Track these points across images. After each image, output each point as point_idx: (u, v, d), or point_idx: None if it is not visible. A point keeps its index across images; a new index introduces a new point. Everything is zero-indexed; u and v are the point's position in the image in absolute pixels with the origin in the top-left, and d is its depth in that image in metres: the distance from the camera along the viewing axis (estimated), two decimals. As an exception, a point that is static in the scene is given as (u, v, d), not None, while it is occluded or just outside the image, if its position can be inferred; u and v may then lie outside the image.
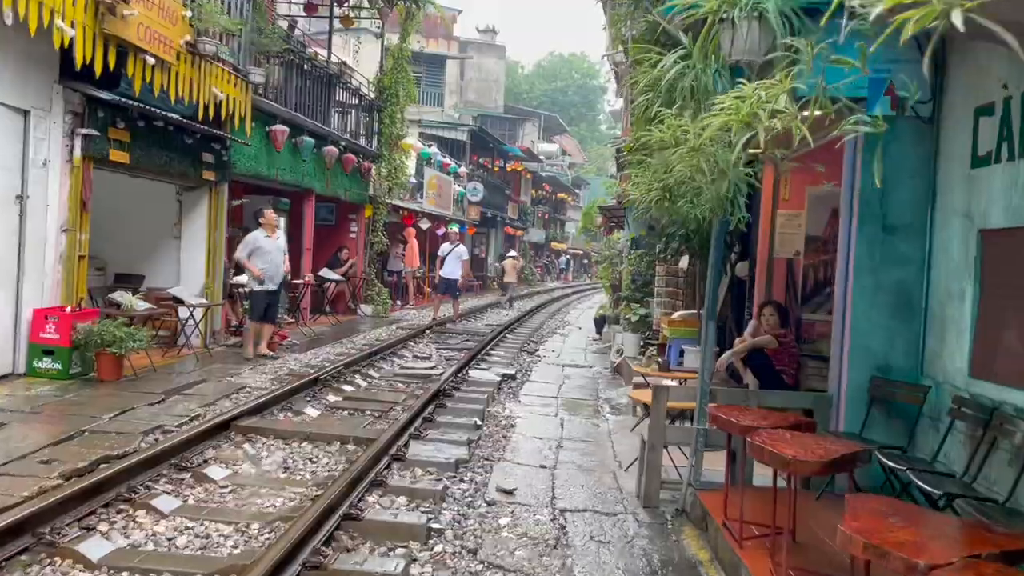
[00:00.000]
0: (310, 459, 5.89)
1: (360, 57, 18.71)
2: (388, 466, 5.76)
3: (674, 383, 5.79)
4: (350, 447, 6.23)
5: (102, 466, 5.03)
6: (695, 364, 8.51)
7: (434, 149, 23.23)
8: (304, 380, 8.40)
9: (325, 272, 15.10)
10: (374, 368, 10.24)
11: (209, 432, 6.04)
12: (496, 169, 35.69)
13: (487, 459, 6.36)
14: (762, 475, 4.98)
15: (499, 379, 9.92)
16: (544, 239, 46.38)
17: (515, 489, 5.57)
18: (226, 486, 5.16)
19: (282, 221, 15.84)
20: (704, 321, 5.20)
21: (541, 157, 42.53)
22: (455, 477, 5.74)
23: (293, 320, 12.85)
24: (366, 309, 16.83)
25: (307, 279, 13.25)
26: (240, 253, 10.07)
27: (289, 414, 7.29)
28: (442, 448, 6.29)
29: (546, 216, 47.98)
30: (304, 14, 15.71)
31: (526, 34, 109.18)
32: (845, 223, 5.61)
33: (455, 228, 16.45)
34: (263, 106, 11.57)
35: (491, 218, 32.53)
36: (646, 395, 5.96)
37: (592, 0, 10.79)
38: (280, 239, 10.41)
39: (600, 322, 17.32)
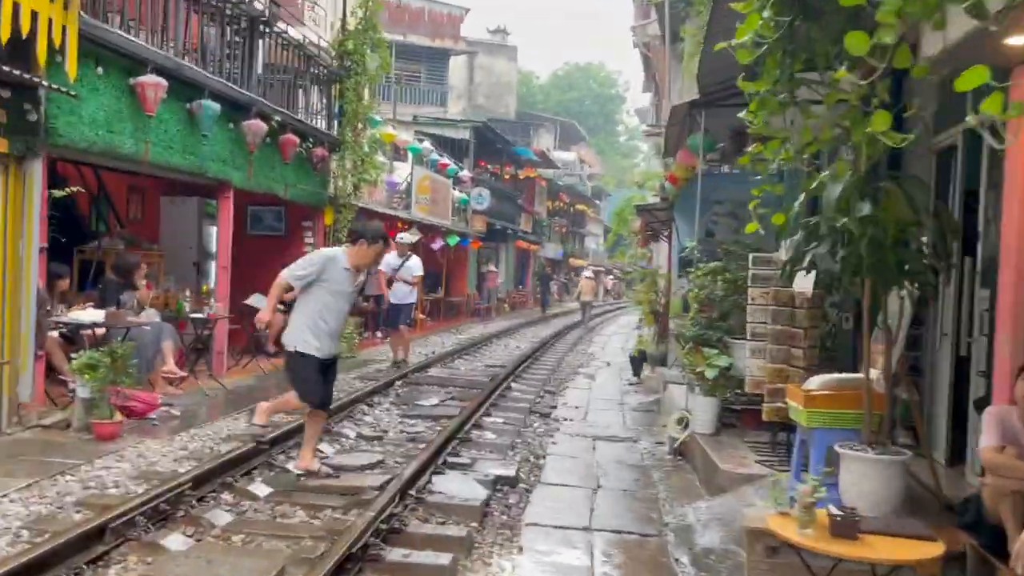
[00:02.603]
0: None
1: (319, 18, 14.67)
2: None
3: None
4: None
5: None
6: (871, 494, 4.19)
7: (427, 144, 19.08)
8: (76, 534, 4.10)
9: (256, 299, 10.84)
10: (267, 473, 5.91)
11: None
12: (507, 177, 31.55)
13: None
14: None
15: (487, 492, 5.58)
16: (562, 255, 42.07)
17: None
18: None
19: (213, 230, 11.78)
20: None
21: (557, 164, 38.34)
22: None
23: (184, 374, 8.61)
24: (325, 347, 12.53)
25: (214, 311, 9.00)
26: (292, 273, 5.80)
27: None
28: None
29: (564, 229, 43.68)
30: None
31: (540, 45, 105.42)
32: None
33: (406, 237, 12.13)
34: (121, 43, 7.38)
35: (500, 230, 28.27)
36: None
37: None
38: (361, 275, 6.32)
39: (638, 361, 12.97)
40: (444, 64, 33.94)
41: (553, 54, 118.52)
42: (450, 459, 6.42)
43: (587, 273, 26.93)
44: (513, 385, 11.03)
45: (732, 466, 5.94)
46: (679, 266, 11.53)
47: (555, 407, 10.01)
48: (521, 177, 33.15)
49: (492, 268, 26.54)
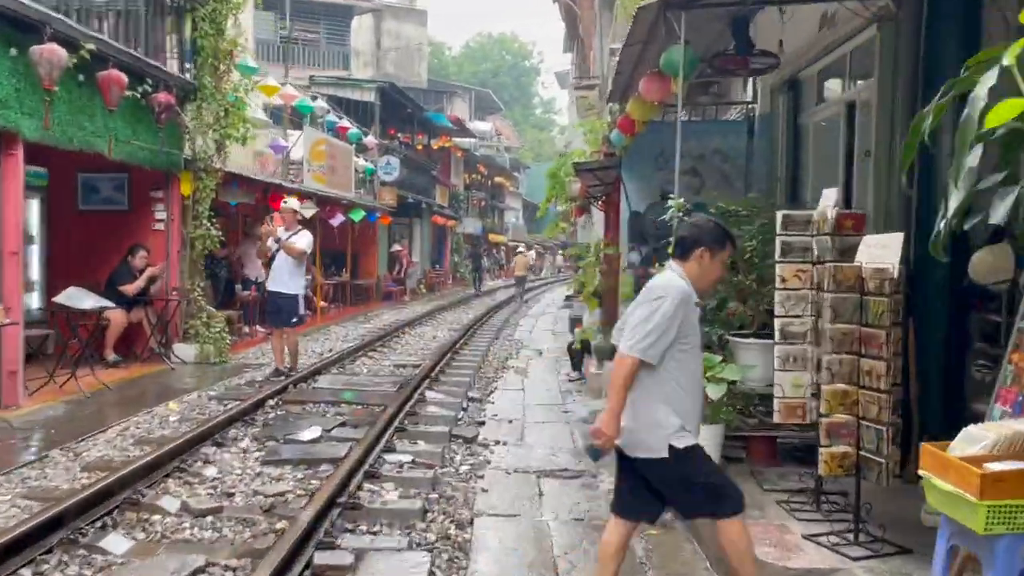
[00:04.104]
0: None
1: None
2: None
3: None
4: None
5: None
6: None
7: (321, 103, 16.26)
8: None
9: (70, 296, 8.04)
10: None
11: None
12: (420, 147, 28.83)
13: None
14: None
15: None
16: (481, 230, 39.66)
17: None
18: None
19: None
20: None
21: (474, 133, 35.75)
22: None
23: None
24: (186, 351, 9.84)
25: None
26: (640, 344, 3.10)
27: None
28: None
29: (482, 203, 41.24)
30: None
31: (453, 17, 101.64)
32: None
33: (291, 202, 9.41)
34: None
35: (414, 204, 25.60)
36: None
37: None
38: None
39: (579, 353, 10.73)
40: (346, 24, 30.81)
41: (464, 25, 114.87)
42: (319, 556, 3.96)
43: (521, 249, 28.72)
44: (428, 394, 8.60)
45: (775, 552, 3.71)
46: (629, 237, 9.33)
47: (482, 423, 7.69)
48: (435, 147, 30.48)
49: (397, 247, 23.95)
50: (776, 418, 4.30)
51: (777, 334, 4.28)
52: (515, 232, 49.79)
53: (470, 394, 8.98)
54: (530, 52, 77.11)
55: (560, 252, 47.49)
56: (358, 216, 17.92)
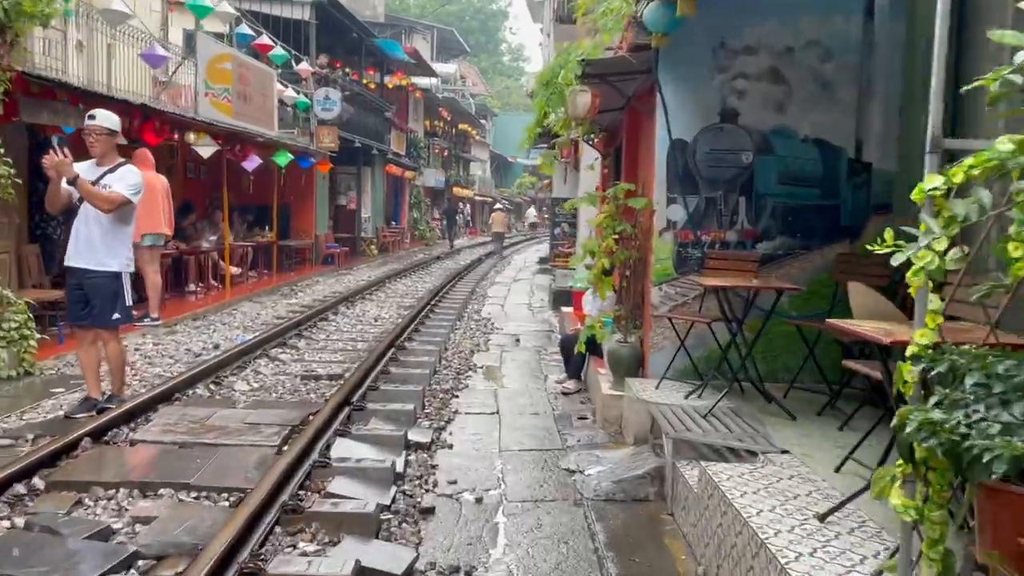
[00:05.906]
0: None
1: None
2: None
3: None
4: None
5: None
6: None
7: (227, 7, 12.29)
8: None
9: None
10: None
11: None
12: (372, 85, 24.83)
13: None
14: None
15: None
16: (444, 183, 35.81)
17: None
18: None
19: None
20: None
21: (435, 72, 31.69)
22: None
23: None
24: (-44, 363, 6.16)
25: None
26: None
27: None
28: None
29: (445, 153, 37.30)
30: None
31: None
32: None
33: (104, 117, 5.57)
34: None
35: (363, 150, 21.69)
36: None
37: None
38: None
39: (580, 356, 7.22)
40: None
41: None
42: None
43: (498, 206, 29.36)
44: (340, 447, 5.01)
45: None
46: (668, 182, 5.78)
47: (429, 511, 4.24)
48: (389, 85, 26.46)
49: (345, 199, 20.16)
50: None
51: None
52: (482, 185, 45.95)
53: (413, 436, 5.46)
54: (497, -6, 73.35)
55: (532, 206, 43.89)
56: (284, 160, 14.11)
